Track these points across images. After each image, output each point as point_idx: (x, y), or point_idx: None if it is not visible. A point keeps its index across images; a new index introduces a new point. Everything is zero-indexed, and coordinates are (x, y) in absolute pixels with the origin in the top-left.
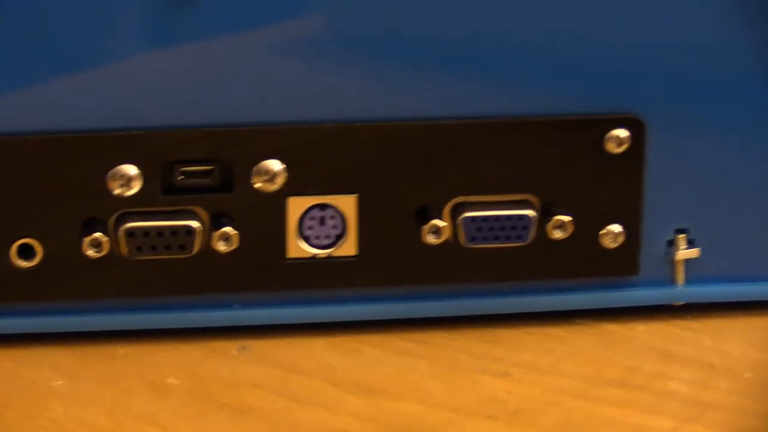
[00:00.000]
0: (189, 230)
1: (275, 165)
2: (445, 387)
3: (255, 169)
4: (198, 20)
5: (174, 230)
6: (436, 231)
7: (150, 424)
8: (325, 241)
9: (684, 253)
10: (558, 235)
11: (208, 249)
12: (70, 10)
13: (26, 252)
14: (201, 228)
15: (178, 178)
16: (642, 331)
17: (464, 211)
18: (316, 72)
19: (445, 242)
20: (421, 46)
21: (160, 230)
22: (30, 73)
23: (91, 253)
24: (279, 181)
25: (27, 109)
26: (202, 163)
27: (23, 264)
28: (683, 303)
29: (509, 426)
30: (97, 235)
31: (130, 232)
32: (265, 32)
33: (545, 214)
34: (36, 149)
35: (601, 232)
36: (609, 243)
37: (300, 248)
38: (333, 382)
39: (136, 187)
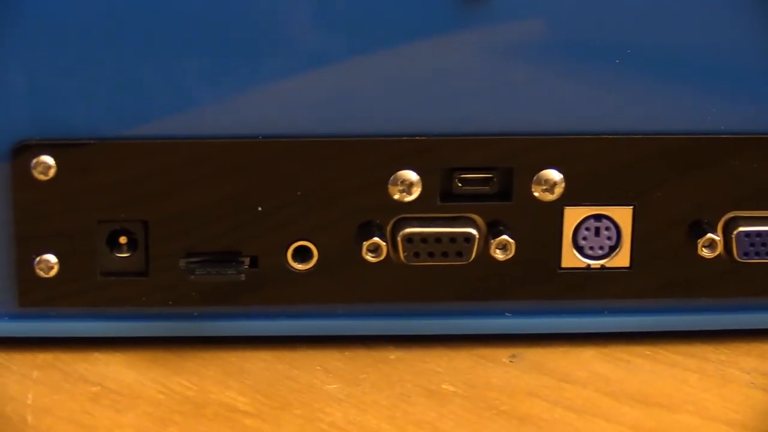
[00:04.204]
0: (468, 237)
1: (555, 175)
2: (718, 400)
3: (535, 178)
4: (483, 27)
5: (453, 237)
6: (711, 245)
7: (432, 431)
8: (599, 252)
9: None
10: None
11: (484, 256)
12: (368, 17)
13: (303, 254)
14: (478, 235)
15: (457, 185)
16: None
17: (738, 226)
18: (595, 85)
19: (718, 256)
20: (695, 62)
21: (438, 236)
22: (315, 78)
23: (369, 257)
24: (557, 191)
25: (313, 113)
26: (482, 171)
27: (299, 266)
28: None
29: None
30: (376, 239)
31: (409, 238)
32: (548, 42)
33: None
34: (319, 152)
35: None
36: None
37: (574, 258)
38: (607, 393)
39: (415, 193)
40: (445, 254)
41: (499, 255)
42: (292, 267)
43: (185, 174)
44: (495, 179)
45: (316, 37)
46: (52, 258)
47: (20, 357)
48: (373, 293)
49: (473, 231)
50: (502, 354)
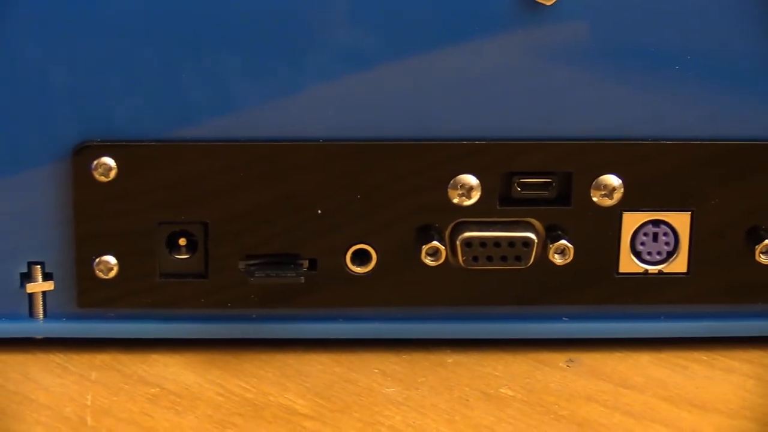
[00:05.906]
0: (527, 242)
1: (614, 180)
2: None
3: (594, 183)
4: (543, 31)
5: (512, 241)
6: None
7: None
8: (657, 257)
9: None
10: None
11: (542, 261)
12: (427, 19)
13: (362, 257)
14: (537, 240)
15: (516, 190)
16: None
17: None
18: (655, 90)
19: None
20: (754, 68)
21: (497, 241)
22: (376, 81)
23: (428, 261)
24: (616, 196)
25: (373, 116)
26: (541, 176)
27: (358, 269)
28: None
29: None
30: (435, 243)
31: (468, 242)
32: (608, 46)
33: None
34: (379, 155)
35: None
36: None
37: (632, 263)
38: (665, 398)
39: (475, 197)
40: (503, 258)
41: (557, 260)
42: (351, 270)
43: (245, 176)
44: (554, 184)
45: (377, 39)
46: (111, 259)
47: (79, 358)
48: (432, 297)
49: (532, 235)
50: (559, 358)
